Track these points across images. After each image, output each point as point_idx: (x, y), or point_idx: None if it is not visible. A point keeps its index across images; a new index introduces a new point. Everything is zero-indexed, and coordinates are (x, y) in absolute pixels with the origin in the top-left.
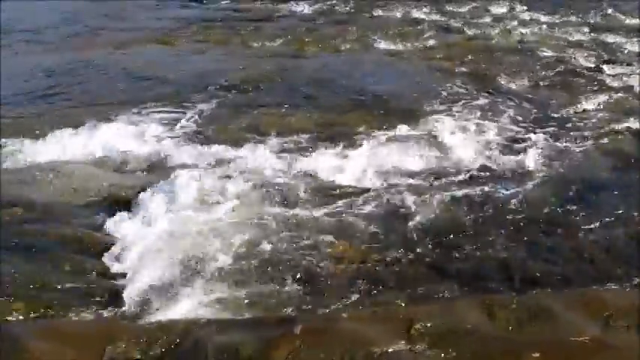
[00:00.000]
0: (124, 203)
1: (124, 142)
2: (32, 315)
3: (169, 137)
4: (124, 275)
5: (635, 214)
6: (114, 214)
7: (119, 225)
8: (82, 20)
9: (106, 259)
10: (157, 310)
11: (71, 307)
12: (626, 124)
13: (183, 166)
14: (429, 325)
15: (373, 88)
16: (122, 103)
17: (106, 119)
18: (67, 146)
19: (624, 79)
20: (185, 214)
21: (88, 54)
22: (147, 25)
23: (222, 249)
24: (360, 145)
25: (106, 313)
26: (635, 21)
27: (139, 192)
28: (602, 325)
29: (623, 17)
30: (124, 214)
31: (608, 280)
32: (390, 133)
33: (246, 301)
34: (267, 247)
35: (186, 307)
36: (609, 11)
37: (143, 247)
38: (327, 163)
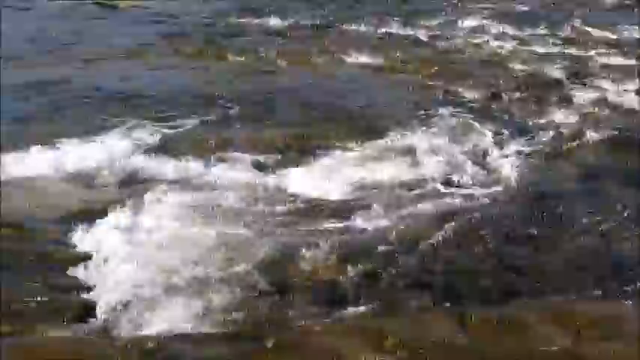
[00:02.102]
0: (96, 218)
1: (95, 158)
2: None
3: (140, 152)
4: (95, 290)
5: (605, 225)
6: (85, 230)
7: (91, 240)
8: (52, 36)
9: (78, 274)
10: (130, 325)
11: (41, 323)
12: (594, 136)
13: (154, 181)
14: (401, 337)
15: (344, 102)
16: (93, 119)
17: (76, 135)
18: (37, 162)
19: (593, 91)
20: (156, 229)
21: (58, 70)
22: (118, 40)
23: (193, 263)
24: (332, 159)
25: (77, 330)
26: (602, 34)
27: (110, 207)
28: (573, 335)
29: (592, 30)
30: (96, 229)
31: (578, 291)
32: (362, 147)
33: (218, 315)
34: (238, 261)
35: (160, 322)
36: (578, 24)
37: (115, 263)
38: (299, 177)
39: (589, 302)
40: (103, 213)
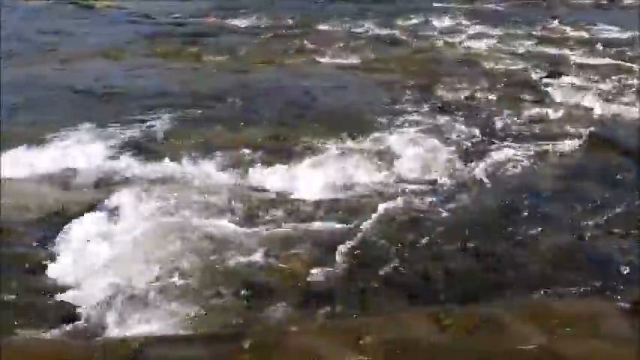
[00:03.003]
0: (73, 219)
1: (72, 159)
2: None
3: (117, 152)
4: (74, 292)
5: (581, 223)
6: (62, 231)
7: (68, 242)
8: (29, 37)
9: (56, 276)
10: (108, 327)
11: (19, 326)
12: (570, 135)
13: (131, 181)
14: (378, 337)
15: (320, 102)
16: (69, 119)
17: (52, 135)
18: (13, 163)
19: (569, 90)
20: (133, 230)
21: (35, 70)
22: (95, 40)
23: (171, 264)
24: (308, 159)
25: (55, 332)
26: (578, 33)
27: (87, 208)
28: (549, 334)
29: (568, 30)
30: (73, 230)
31: (555, 289)
32: (337, 147)
33: (196, 316)
34: (216, 261)
35: (138, 324)
36: (554, 24)
37: (92, 264)
38: (275, 177)
39: (565, 301)
40: (80, 214)
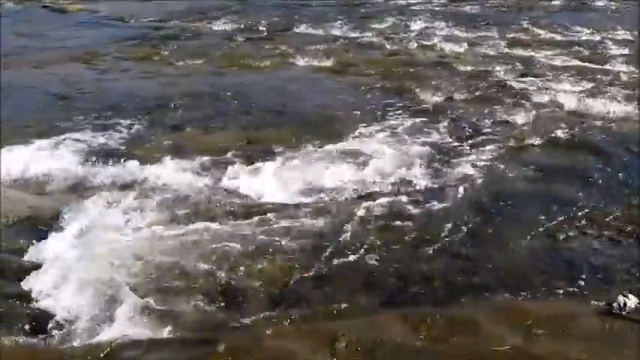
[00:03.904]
0: (44, 225)
1: (44, 163)
2: None
3: (90, 157)
4: (46, 299)
5: (554, 224)
6: (34, 237)
7: (40, 247)
8: (1, 40)
9: (27, 282)
10: (81, 332)
11: None
12: (543, 137)
13: (104, 186)
14: (352, 339)
15: (295, 104)
16: (42, 123)
17: (25, 140)
18: None
19: (542, 92)
20: (106, 234)
21: (8, 74)
22: (68, 43)
23: (143, 268)
24: (283, 162)
25: (29, 339)
26: (550, 35)
27: (59, 213)
28: (523, 334)
29: (540, 32)
30: (45, 236)
31: (528, 289)
32: (312, 150)
33: (170, 320)
34: (189, 265)
35: (111, 328)
36: (526, 26)
37: (65, 270)
38: (250, 180)
39: (540, 301)
40: (52, 219)
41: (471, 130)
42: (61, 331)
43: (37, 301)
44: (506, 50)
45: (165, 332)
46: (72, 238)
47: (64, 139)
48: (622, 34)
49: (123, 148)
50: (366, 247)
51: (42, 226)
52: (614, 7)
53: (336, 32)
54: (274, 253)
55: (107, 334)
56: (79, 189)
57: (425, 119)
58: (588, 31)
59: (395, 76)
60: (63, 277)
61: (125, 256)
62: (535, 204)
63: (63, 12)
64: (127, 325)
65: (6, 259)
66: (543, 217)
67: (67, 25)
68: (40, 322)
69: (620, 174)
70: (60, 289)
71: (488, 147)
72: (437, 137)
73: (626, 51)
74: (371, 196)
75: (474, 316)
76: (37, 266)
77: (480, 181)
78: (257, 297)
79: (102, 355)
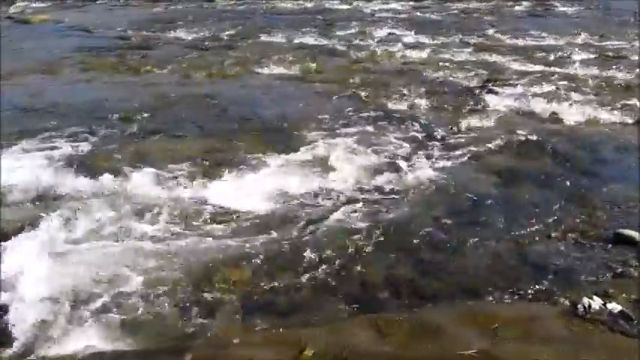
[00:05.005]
0: (10, 237)
1: (8, 175)
2: None
3: (54, 168)
4: (11, 311)
5: (518, 228)
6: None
7: (4, 260)
8: None
9: None
10: (47, 345)
11: None
12: (507, 142)
13: (69, 197)
14: (319, 347)
15: (259, 113)
16: (5, 135)
17: None
18: None
19: (505, 97)
20: (70, 245)
21: None
22: (31, 54)
23: (110, 279)
24: (248, 171)
25: None
26: (513, 41)
27: (24, 225)
28: (490, 337)
29: (503, 38)
30: (10, 247)
31: (494, 293)
32: (279, 157)
33: (137, 330)
34: (156, 275)
35: (77, 340)
36: (490, 32)
37: (30, 281)
38: (215, 189)
39: (505, 305)
40: (17, 231)
41: (435, 136)
42: (25, 345)
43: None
44: (469, 56)
45: (131, 343)
46: (37, 249)
47: (27, 151)
48: (584, 38)
49: (87, 158)
50: (331, 254)
51: (6, 237)
52: (575, 13)
53: (301, 40)
54: (240, 262)
55: (70, 347)
56: (43, 200)
57: (389, 126)
58: (551, 36)
59: (359, 83)
60: (27, 288)
61: (90, 267)
62: (499, 209)
63: (27, 23)
64: (90, 336)
65: None
66: (508, 222)
67: (32, 36)
68: (3, 335)
69: (584, 177)
70: (24, 300)
71: (452, 153)
72: (401, 144)
73: (588, 55)
74: (335, 203)
75: (440, 321)
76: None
77: (444, 186)
78: (224, 306)
79: None
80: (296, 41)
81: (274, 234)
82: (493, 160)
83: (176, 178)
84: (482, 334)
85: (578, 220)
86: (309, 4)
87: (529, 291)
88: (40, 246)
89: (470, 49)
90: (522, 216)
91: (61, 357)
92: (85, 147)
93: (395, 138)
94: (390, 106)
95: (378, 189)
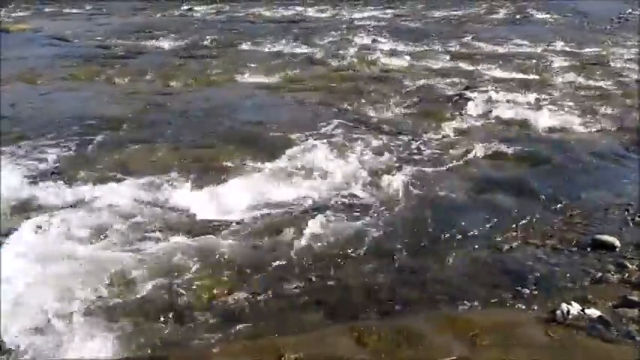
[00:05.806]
0: None
1: None
2: None
3: (32, 179)
4: None
5: (496, 235)
6: None
7: None
8: None
9: None
10: (31, 355)
11: None
12: (485, 149)
13: (48, 207)
14: (299, 355)
15: (241, 121)
16: None
17: None
18: None
19: (485, 104)
20: (51, 255)
21: None
22: (11, 63)
23: (90, 289)
24: (229, 179)
25: None
26: (492, 48)
27: (6, 235)
28: (469, 344)
29: (482, 45)
30: None
31: (473, 300)
32: (259, 166)
33: (116, 339)
34: (135, 284)
35: (60, 350)
36: (469, 40)
37: (12, 292)
38: (196, 198)
39: (484, 311)
40: None
41: (414, 144)
42: (8, 354)
43: None
44: (448, 64)
45: (111, 352)
46: (18, 259)
47: (5, 161)
48: (561, 45)
49: (66, 168)
50: (310, 262)
51: None
52: (552, 20)
53: (281, 48)
54: (221, 270)
55: (54, 356)
56: (22, 210)
57: (368, 134)
58: (529, 44)
59: (339, 91)
60: (11, 300)
61: (72, 277)
62: (478, 215)
63: (6, 32)
64: (70, 348)
65: None
66: (486, 228)
67: (11, 44)
68: None
69: (562, 184)
70: (7, 313)
71: (431, 160)
72: (380, 151)
73: (566, 62)
74: (315, 211)
75: (419, 328)
76: None
77: (423, 193)
78: (204, 314)
79: None
80: (276, 49)
81: (253, 242)
82: (471, 167)
83: (155, 187)
84: (461, 341)
85: (556, 227)
86: (288, 13)
87: (508, 297)
88: (18, 258)
89: (449, 57)
90: (501, 222)
91: None
92: (62, 156)
93: (374, 145)
94: (369, 113)
95: (357, 197)
